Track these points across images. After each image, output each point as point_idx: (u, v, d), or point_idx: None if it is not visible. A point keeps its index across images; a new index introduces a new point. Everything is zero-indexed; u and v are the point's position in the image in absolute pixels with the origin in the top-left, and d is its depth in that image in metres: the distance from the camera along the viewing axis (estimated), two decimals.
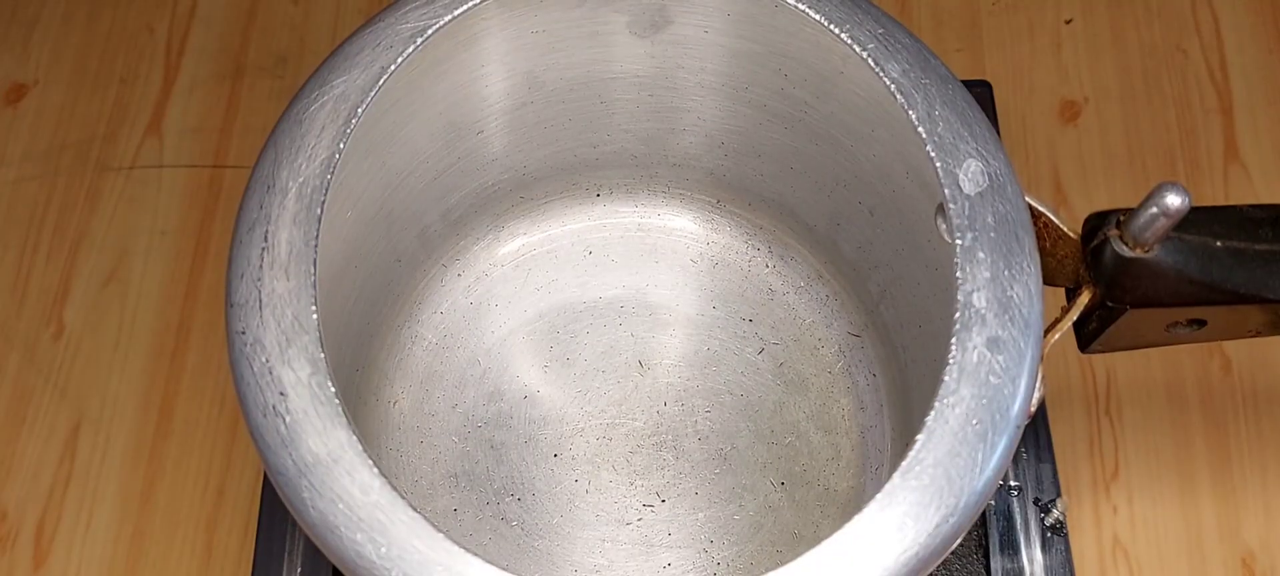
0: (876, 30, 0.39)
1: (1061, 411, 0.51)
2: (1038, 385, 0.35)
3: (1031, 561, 0.47)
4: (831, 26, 0.39)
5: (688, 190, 0.50)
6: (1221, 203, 0.55)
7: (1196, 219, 0.37)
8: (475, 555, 0.31)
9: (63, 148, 0.59)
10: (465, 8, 0.39)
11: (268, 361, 0.34)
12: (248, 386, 0.34)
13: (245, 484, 0.51)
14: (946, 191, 0.36)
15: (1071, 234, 0.38)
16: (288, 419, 0.33)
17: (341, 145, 0.37)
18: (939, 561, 0.33)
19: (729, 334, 0.49)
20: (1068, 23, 0.62)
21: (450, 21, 0.38)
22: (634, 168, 0.49)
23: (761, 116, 0.45)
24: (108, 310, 0.55)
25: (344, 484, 0.32)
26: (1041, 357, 0.35)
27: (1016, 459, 0.48)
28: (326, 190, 0.36)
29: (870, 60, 0.38)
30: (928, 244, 0.40)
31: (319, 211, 0.36)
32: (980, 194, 0.36)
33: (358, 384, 0.46)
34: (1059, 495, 0.48)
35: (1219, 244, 0.37)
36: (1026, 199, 0.37)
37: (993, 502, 0.48)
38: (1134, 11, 0.62)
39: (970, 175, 0.36)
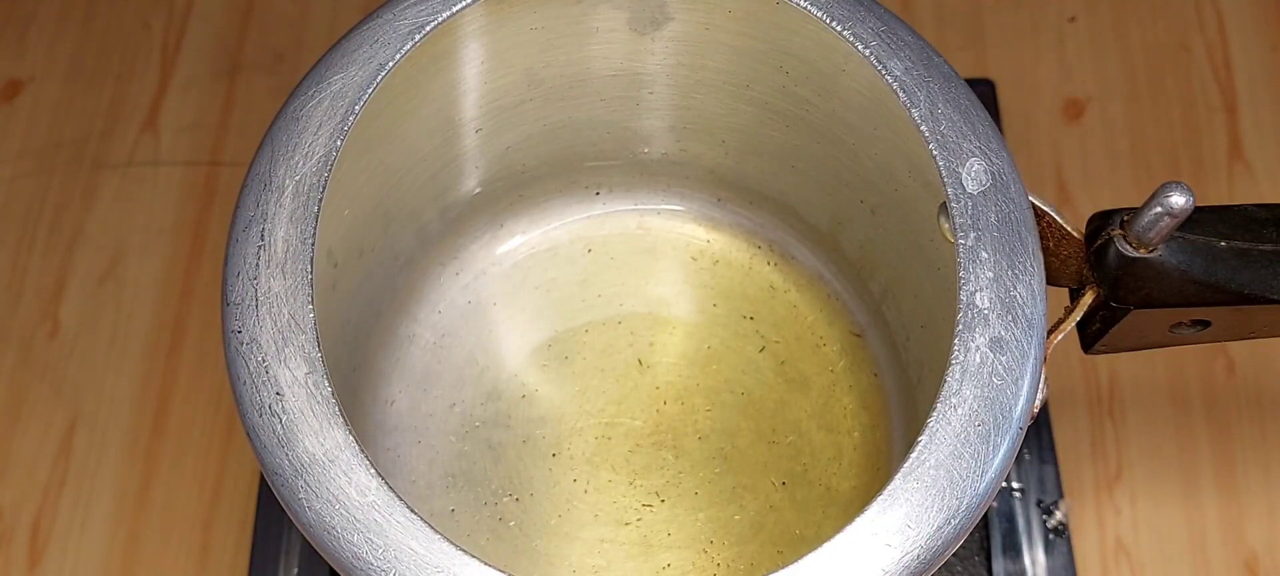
0: (879, 28, 0.38)
1: (1064, 413, 0.51)
2: (1041, 386, 0.35)
3: (1034, 563, 0.47)
4: (834, 24, 0.38)
5: (688, 188, 0.50)
6: (1226, 202, 0.55)
7: (1201, 218, 0.37)
8: (473, 556, 0.31)
9: (58, 145, 0.59)
10: (463, 4, 0.38)
11: (264, 360, 0.34)
12: (244, 385, 0.34)
13: (241, 484, 0.51)
14: (949, 190, 0.36)
15: (1075, 233, 0.38)
16: (284, 418, 0.33)
17: (339, 142, 0.37)
18: (941, 563, 0.32)
19: (730, 332, 0.48)
20: (1071, 21, 0.61)
21: (448, 17, 0.38)
22: (634, 165, 0.49)
23: (763, 114, 0.45)
24: (103, 308, 0.55)
25: (340, 484, 0.32)
26: (1044, 358, 0.35)
27: (1019, 460, 0.48)
28: (324, 188, 0.36)
29: (872, 58, 0.38)
30: (930, 243, 0.39)
31: (316, 209, 0.36)
32: (983, 193, 0.36)
33: (354, 383, 0.46)
34: (1061, 497, 0.48)
35: (1223, 244, 0.37)
36: (1030, 198, 0.37)
37: (995, 504, 0.48)
38: (1138, 9, 0.61)
39: (973, 174, 0.36)
